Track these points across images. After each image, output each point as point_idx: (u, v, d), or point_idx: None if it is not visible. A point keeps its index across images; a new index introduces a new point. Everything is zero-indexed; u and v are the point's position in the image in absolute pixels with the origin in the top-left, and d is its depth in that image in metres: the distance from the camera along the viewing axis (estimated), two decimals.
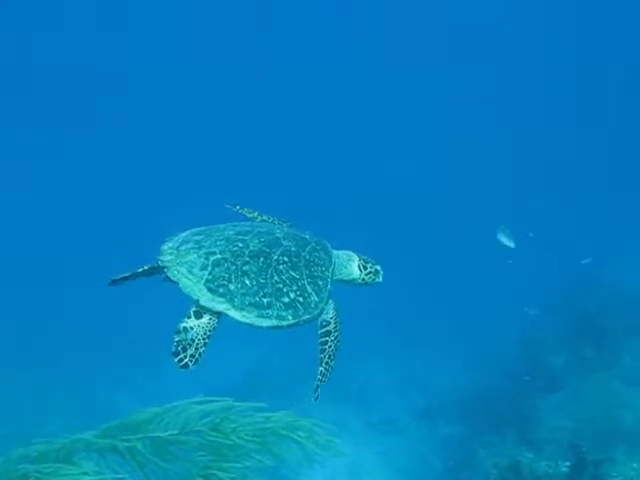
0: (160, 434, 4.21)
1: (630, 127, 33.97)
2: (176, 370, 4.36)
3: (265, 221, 5.62)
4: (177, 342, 4.46)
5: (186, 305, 4.61)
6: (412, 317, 19.93)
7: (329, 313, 5.03)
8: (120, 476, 4.03)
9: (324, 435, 4.36)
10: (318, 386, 4.85)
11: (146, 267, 4.81)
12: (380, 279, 5.49)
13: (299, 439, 4.29)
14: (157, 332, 6.70)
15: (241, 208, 5.75)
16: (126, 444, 4.15)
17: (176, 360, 4.40)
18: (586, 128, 34.28)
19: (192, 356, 4.43)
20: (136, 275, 4.81)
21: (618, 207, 25.66)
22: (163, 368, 16.60)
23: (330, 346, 4.99)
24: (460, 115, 35.42)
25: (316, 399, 4.79)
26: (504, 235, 11.69)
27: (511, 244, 11.29)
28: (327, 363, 4.95)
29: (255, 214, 5.70)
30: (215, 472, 4.19)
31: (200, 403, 4.31)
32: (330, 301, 5.04)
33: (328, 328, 5.01)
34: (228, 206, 5.77)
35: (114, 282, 4.80)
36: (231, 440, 4.17)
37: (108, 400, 15.87)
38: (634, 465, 11.10)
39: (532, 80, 36.78)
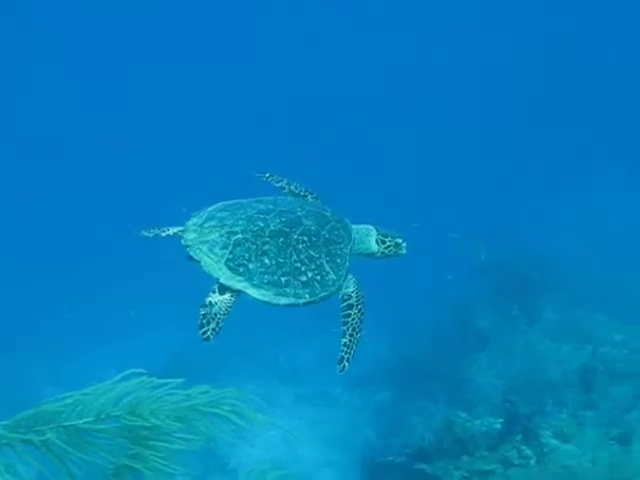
0: (75, 422, 3.89)
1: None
2: (200, 342, 4.64)
3: (292, 192, 5.81)
4: (203, 315, 4.73)
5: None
6: None
7: (350, 287, 5.16)
8: (36, 468, 3.83)
9: (250, 410, 4.10)
10: (343, 358, 4.93)
11: (171, 233, 5.18)
12: (403, 251, 5.57)
13: (224, 414, 4.02)
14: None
15: (270, 176, 5.95)
16: (39, 437, 3.81)
17: (200, 332, 4.67)
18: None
19: (213, 329, 4.70)
20: (161, 235, 5.22)
21: (540, 175, 25.91)
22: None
23: (353, 319, 5.08)
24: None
25: (341, 371, 4.90)
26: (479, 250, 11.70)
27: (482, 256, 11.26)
28: (351, 335, 5.01)
29: (283, 183, 5.88)
30: (137, 459, 3.92)
31: (116, 386, 3.96)
32: (350, 276, 5.18)
33: (350, 302, 5.12)
34: (258, 174, 5.98)
35: (140, 233, 5.23)
36: (151, 423, 3.87)
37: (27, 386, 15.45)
38: (563, 416, 11.22)
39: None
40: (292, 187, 5.87)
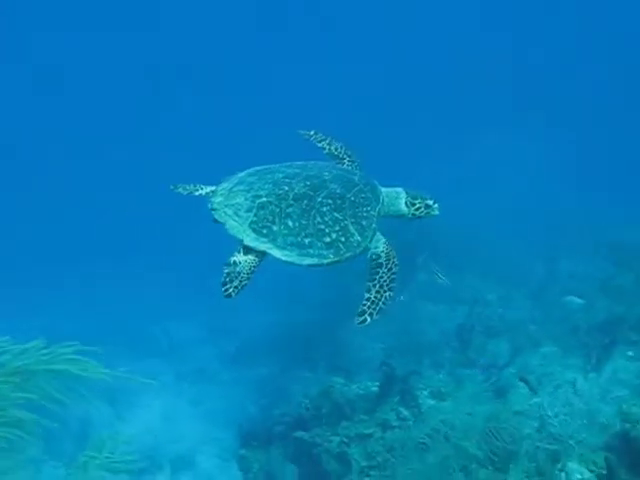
0: None
1: None
2: (221, 298, 4.76)
3: (332, 152, 5.99)
4: (227, 273, 4.89)
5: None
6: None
7: (379, 247, 5.23)
8: None
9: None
10: (365, 311, 4.97)
11: (203, 193, 5.48)
12: (436, 212, 5.63)
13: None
14: None
15: (315, 134, 6.10)
16: None
17: (223, 289, 4.81)
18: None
19: (236, 287, 4.85)
20: (194, 194, 5.50)
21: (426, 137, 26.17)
22: None
23: (381, 277, 5.12)
24: None
25: (360, 323, 4.97)
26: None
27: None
28: (377, 292, 5.04)
29: (325, 142, 6.03)
30: None
31: None
32: (379, 236, 5.27)
33: (379, 261, 5.19)
34: (301, 132, 6.13)
35: (176, 189, 5.55)
36: None
37: None
38: (440, 376, 11.18)
39: None
40: (332, 148, 6.02)
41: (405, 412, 10.00)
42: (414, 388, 10.39)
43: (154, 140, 33.61)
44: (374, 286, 5.09)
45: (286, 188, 5.11)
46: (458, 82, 33.89)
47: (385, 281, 5.13)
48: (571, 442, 8.01)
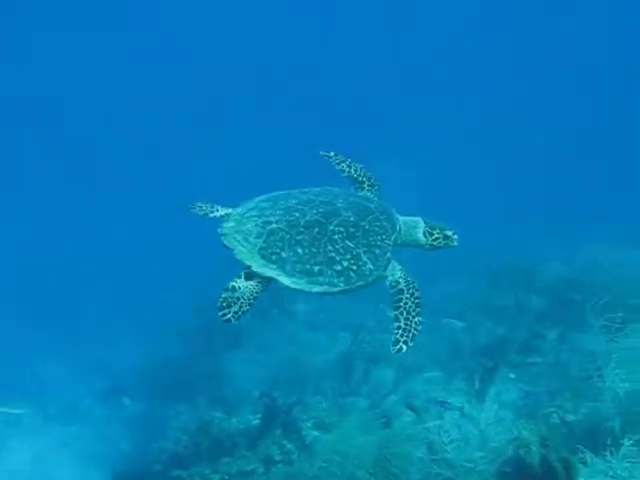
0: None
1: None
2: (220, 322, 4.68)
3: (351, 175, 5.90)
4: (223, 298, 4.77)
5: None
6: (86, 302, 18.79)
7: (395, 274, 5.16)
8: None
9: None
10: (399, 340, 4.91)
11: (218, 215, 5.35)
12: (454, 243, 5.53)
13: None
14: None
15: (335, 156, 6.01)
16: None
17: (220, 314, 4.71)
18: None
19: (235, 312, 4.74)
20: (209, 215, 5.37)
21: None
22: None
23: (406, 303, 5.06)
24: None
25: (397, 352, 4.90)
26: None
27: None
28: (406, 318, 4.99)
29: (344, 165, 5.94)
30: None
31: None
32: (395, 264, 5.19)
33: (399, 287, 5.12)
34: (322, 153, 6.03)
35: (193, 209, 5.45)
36: None
37: None
38: (323, 406, 10.76)
39: None
40: (352, 170, 5.92)
41: (289, 445, 9.59)
42: (297, 420, 10.00)
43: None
44: (401, 314, 5.03)
45: (297, 215, 5.04)
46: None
47: (411, 307, 5.06)
48: (465, 468, 7.72)
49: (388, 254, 5.15)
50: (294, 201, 5.18)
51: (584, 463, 7.23)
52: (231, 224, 5.11)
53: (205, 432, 9.96)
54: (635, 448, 7.16)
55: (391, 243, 5.19)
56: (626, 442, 7.24)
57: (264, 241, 4.92)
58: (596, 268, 12.58)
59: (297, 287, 4.86)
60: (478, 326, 11.87)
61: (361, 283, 4.98)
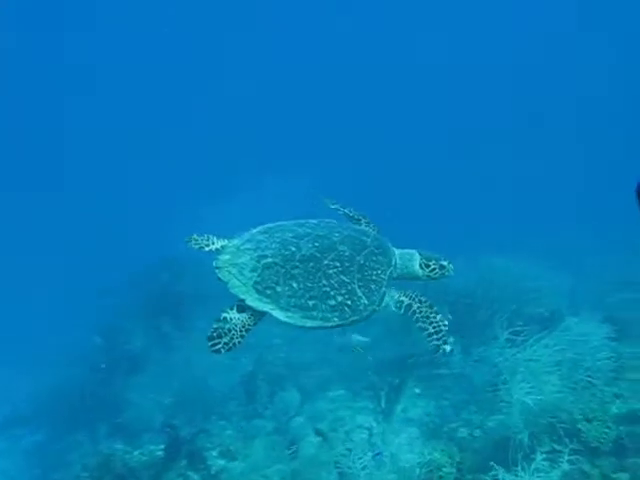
0: None
1: None
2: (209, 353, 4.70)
3: (347, 214, 5.90)
4: (214, 329, 4.88)
5: None
6: None
7: (394, 296, 5.20)
8: None
9: None
10: (438, 345, 5.01)
11: (213, 249, 5.39)
12: (450, 272, 5.53)
13: None
14: None
15: (329, 200, 6.04)
16: None
17: (210, 344, 4.83)
18: None
19: (226, 344, 4.87)
20: (204, 249, 5.40)
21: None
22: None
23: (420, 311, 5.12)
24: None
25: (442, 353, 5.04)
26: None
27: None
28: (431, 323, 5.06)
29: (338, 205, 5.97)
30: None
31: None
32: (392, 293, 5.21)
33: (405, 304, 5.17)
34: (323, 200, 6.05)
35: (189, 242, 5.47)
36: None
37: None
38: (228, 433, 10.41)
39: None
40: (347, 210, 5.94)
41: (195, 477, 9.14)
42: (202, 449, 9.56)
43: None
44: (423, 322, 5.10)
45: (293, 249, 5.04)
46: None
47: (427, 312, 5.13)
48: None
49: (383, 289, 5.12)
50: (290, 234, 5.18)
51: None
52: (226, 257, 5.10)
53: (106, 468, 9.40)
54: (546, 463, 7.09)
55: (386, 277, 5.17)
56: (538, 457, 7.16)
57: (259, 275, 4.93)
58: (495, 280, 12.66)
59: (291, 321, 4.88)
60: (382, 341, 11.69)
61: (355, 318, 4.96)
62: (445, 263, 5.52)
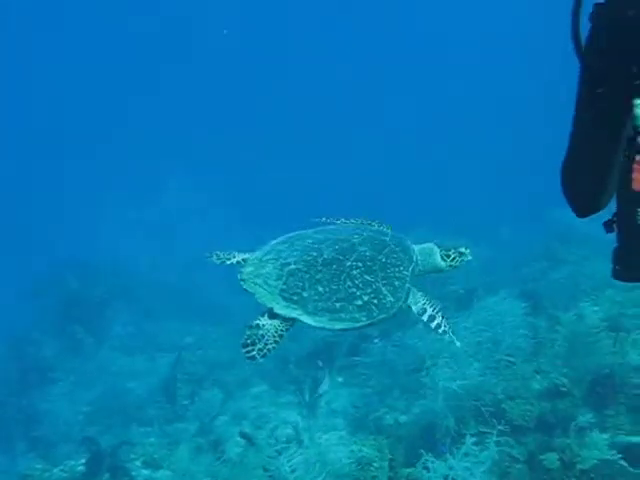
0: None
1: None
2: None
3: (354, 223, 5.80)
4: (247, 336, 4.71)
5: None
6: None
7: (419, 302, 5.10)
8: None
9: None
10: (440, 326, 4.99)
11: (235, 262, 5.25)
12: (469, 257, 5.47)
13: None
14: None
15: (327, 219, 5.81)
16: None
17: (244, 351, 4.64)
18: None
19: (260, 350, 4.67)
20: (226, 263, 5.28)
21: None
22: None
23: (436, 310, 5.04)
24: None
25: (442, 333, 4.99)
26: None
27: None
28: (433, 308, 5.01)
29: (340, 222, 5.82)
30: None
31: None
32: (416, 292, 5.10)
33: (428, 313, 5.05)
34: (315, 219, 5.81)
35: (210, 257, 5.38)
36: None
37: None
38: (151, 440, 9.98)
39: None
40: (352, 220, 5.83)
41: None
42: (125, 460, 9.12)
43: None
44: (437, 325, 5.01)
45: (314, 254, 5.03)
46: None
47: (439, 316, 5.03)
48: None
49: (407, 285, 5.08)
50: (310, 240, 5.17)
51: (427, 469, 7.00)
52: (250, 269, 5.06)
53: None
54: (475, 447, 7.01)
55: (409, 274, 5.13)
56: (467, 440, 7.08)
57: (284, 283, 4.90)
58: None
59: (320, 325, 4.81)
60: (301, 333, 11.47)
61: (383, 316, 4.91)
62: (463, 249, 5.46)
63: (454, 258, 5.40)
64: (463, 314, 9.17)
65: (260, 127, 33.01)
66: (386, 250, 5.14)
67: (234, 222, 19.50)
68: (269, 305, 4.84)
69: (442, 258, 5.37)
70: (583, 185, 2.40)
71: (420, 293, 5.13)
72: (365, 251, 5.08)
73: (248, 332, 4.74)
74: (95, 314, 13.80)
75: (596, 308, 8.43)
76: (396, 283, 5.02)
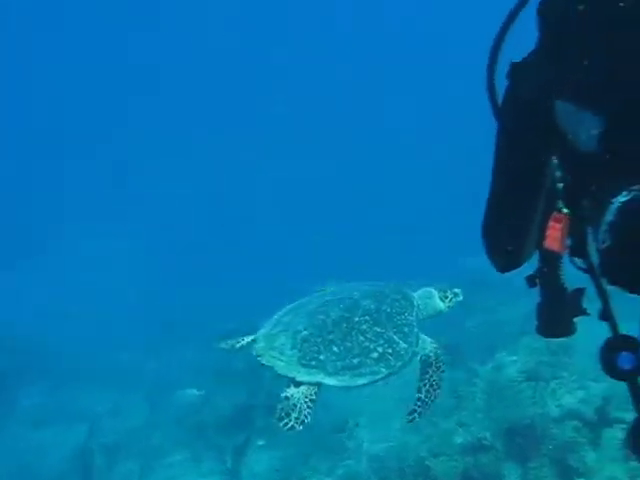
0: None
1: None
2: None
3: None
4: (280, 409, 4.74)
5: None
6: None
7: (426, 348, 5.11)
8: None
9: None
10: (415, 410, 4.93)
11: (244, 344, 5.25)
12: (461, 297, 5.53)
13: None
14: None
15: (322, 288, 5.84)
16: None
17: (281, 425, 4.69)
18: None
19: (297, 419, 4.69)
20: (236, 347, 5.30)
21: None
22: None
23: (431, 376, 5.03)
24: None
25: (410, 421, 4.95)
26: None
27: None
28: (427, 391, 4.98)
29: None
30: None
31: None
32: (425, 338, 5.15)
33: (429, 361, 5.06)
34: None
35: (219, 346, 5.47)
36: None
37: None
38: None
39: None
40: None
41: None
42: None
43: None
44: (424, 386, 5.00)
45: (322, 317, 5.10)
46: None
47: (435, 380, 5.04)
48: None
49: (415, 329, 5.16)
50: (313, 305, 5.27)
51: None
52: (262, 344, 5.08)
53: None
54: None
55: (414, 319, 5.21)
56: None
57: (299, 350, 4.92)
58: None
59: (344, 384, 4.85)
60: (216, 395, 11.06)
61: (400, 363, 4.96)
62: (457, 290, 5.57)
63: (451, 299, 5.50)
64: None
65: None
66: (388, 300, 5.25)
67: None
68: (290, 375, 4.87)
69: (441, 299, 5.47)
70: (502, 241, 2.32)
71: (430, 340, 5.21)
72: (369, 304, 5.17)
73: (280, 406, 4.77)
74: (3, 387, 13.06)
75: (514, 357, 8.42)
76: (405, 329, 5.10)
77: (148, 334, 14.40)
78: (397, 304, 5.25)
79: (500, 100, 2.24)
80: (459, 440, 7.72)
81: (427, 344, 5.19)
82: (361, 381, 4.87)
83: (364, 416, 8.15)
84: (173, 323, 14.57)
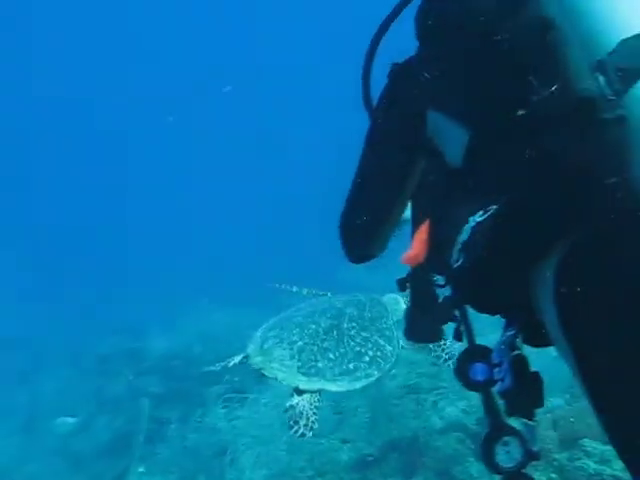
0: None
1: None
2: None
3: (310, 293, 6.21)
4: (288, 418, 4.90)
5: None
6: None
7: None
8: None
9: None
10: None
11: (237, 362, 5.33)
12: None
13: None
14: None
15: (284, 285, 6.26)
16: None
17: (292, 433, 4.86)
18: None
19: (305, 426, 4.86)
20: (227, 366, 5.37)
21: None
22: None
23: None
24: None
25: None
26: None
27: None
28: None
29: (294, 289, 6.27)
30: None
31: None
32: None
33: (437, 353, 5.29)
34: (270, 285, 6.29)
35: (208, 369, 5.61)
36: None
37: None
38: None
39: None
40: (304, 292, 6.25)
41: None
42: None
43: None
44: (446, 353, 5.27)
45: (313, 326, 5.24)
46: None
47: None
48: None
49: (395, 332, 5.34)
50: (299, 317, 5.43)
51: None
52: (259, 358, 5.14)
53: None
54: None
55: (392, 323, 5.41)
56: None
57: (298, 360, 5.03)
58: (205, 334, 12.08)
59: (343, 389, 4.97)
60: (94, 422, 10.47)
61: (389, 365, 5.17)
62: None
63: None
64: (260, 388, 8.82)
65: None
66: (367, 306, 5.49)
67: None
68: (293, 385, 5.02)
69: (405, 304, 5.33)
70: (359, 227, 2.26)
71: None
72: (352, 312, 5.40)
73: (287, 415, 4.94)
74: None
75: (394, 371, 8.33)
76: (387, 333, 5.32)
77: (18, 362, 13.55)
78: (375, 309, 5.49)
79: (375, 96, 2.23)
80: (345, 457, 7.54)
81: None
82: (358, 384, 5.04)
83: (245, 437, 7.84)
84: (44, 350, 13.76)
